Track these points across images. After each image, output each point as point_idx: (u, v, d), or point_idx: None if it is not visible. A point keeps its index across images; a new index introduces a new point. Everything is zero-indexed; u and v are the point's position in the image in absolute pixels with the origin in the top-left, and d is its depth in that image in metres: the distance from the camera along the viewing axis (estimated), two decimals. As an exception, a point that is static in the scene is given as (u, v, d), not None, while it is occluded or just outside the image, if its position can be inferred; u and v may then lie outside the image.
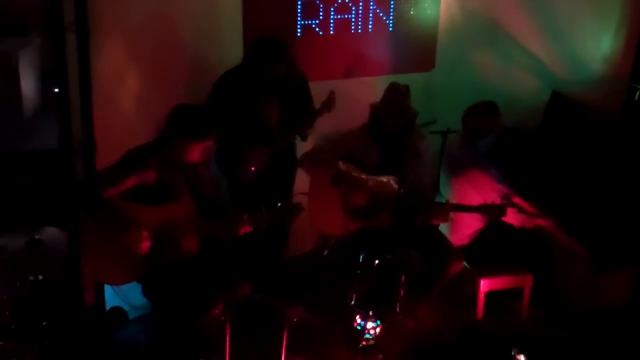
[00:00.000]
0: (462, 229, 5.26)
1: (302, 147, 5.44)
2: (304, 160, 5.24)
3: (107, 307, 5.14)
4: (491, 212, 4.94)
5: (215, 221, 4.48)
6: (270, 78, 5.04)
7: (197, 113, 4.46)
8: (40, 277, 4.63)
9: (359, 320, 5.02)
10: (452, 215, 5.06)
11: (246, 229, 4.44)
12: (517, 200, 5.03)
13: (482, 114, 5.21)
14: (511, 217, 5.00)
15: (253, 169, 5.14)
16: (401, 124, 4.97)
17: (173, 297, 4.44)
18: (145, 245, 4.30)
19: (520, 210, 4.97)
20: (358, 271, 5.21)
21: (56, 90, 4.92)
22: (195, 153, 4.42)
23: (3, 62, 8.28)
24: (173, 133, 4.37)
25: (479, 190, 5.08)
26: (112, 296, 5.03)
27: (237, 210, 4.88)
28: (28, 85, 8.41)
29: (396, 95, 5.00)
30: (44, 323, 4.63)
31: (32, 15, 9.13)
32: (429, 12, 5.98)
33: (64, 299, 4.91)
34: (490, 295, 5.23)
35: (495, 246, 5.23)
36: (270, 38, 5.02)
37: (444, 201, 5.13)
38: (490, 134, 5.21)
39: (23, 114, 8.26)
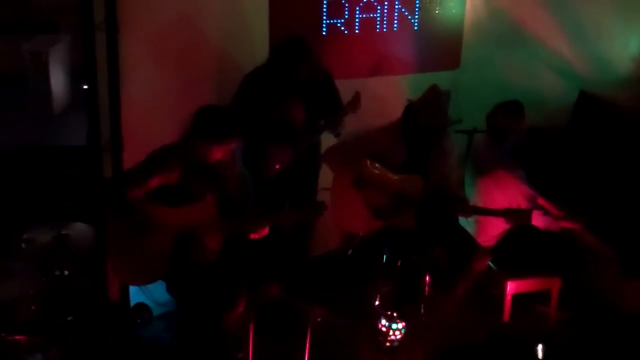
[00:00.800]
0: (488, 230, 5.22)
1: (328, 144, 5.43)
2: (328, 154, 5.23)
3: (132, 303, 5.18)
4: (516, 217, 4.91)
5: (235, 221, 4.49)
6: (293, 78, 5.05)
7: (221, 115, 4.45)
8: (66, 272, 4.68)
9: (383, 321, 5.00)
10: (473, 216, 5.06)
11: (262, 232, 4.45)
12: (542, 202, 4.98)
13: (506, 113, 5.16)
14: (536, 220, 4.96)
15: (277, 167, 5.16)
16: (437, 127, 4.95)
17: (197, 295, 4.45)
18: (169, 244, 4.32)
19: (546, 212, 4.92)
20: (382, 271, 5.21)
21: (85, 87, 4.97)
22: (219, 154, 4.42)
23: (33, 59, 8.38)
24: (197, 134, 4.38)
25: (504, 191, 5.04)
26: (136, 292, 5.06)
27: (261, 208, 4.91)
28: (57, 82, 8.48)
29: (437, 98, 4.99)
30: (69, 318, 4.68)
31: (63, 13, 9.22)
32: (454, 11, 5.96)
33: (89, 295, 4.97)
34: (517, 297, 5.19)
35: (522, 248, 5.18)
36: (294, 38, 5.03)
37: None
38: (515, 134, 5.16)
39: (52, 110, 8.34)
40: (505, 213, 4.93)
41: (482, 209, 5.03)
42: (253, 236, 4.44)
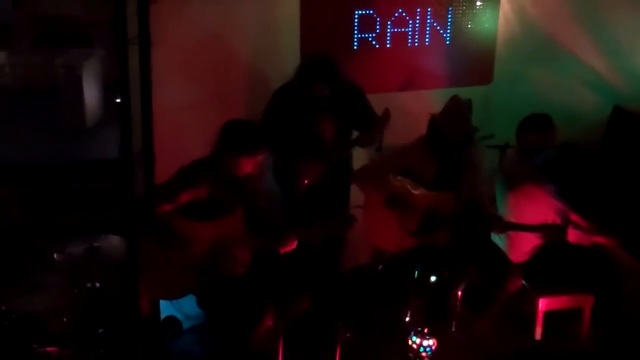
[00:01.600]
0: (520, 246, 5.17)
1: (359, 158, 5.43)
2: (358, 175, 5.23)
3: (162, 316, 5.19)
4: (551, 232, 4.86)
5: (264, 236, 4.49)
6: (314, 95, 5.05)
7: (247, 127, 4.47)
8: (98, 285, 4.70)
9: (413, 337, 4.96)
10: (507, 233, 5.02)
11: (290, 246, 4.44)
12: (575, 217, 4.93)
13: (535, 127, 5.12)
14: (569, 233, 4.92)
15: (306, 182, 5.15)
16: (462, 138, 4.93)
17: (227, 309, 4.46)
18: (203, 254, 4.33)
19: (577, 227, 4.87)
20: (413, 287, 5.17)
21: (118, 100, 5.01)
22: (247, 167, 4.44)
23: (67, 73, 8.49)
24: (224, 148, 4.40)
25: (535, 205, 5.00)
26: (166, 305, 5.08)
27: (292, 223, 4.91)
28: (90, 95, 8.61)
29: (458, 108, 4.96)
30: (99, 330, 4.70)
31: (96, 27, 9.35)
32: (486, 25, 5.94)
33: (120, 307, 4.98)
34: (549, 315, 5.13)
35: (554, 264, 5.13)
36: (316, 55, 5.03)
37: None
38: (545, 148, 5.11)
39: (85, 123, 8.45)
40: (541, 229, 4.88)
41: (517, 225, 4.98)
42: (282, 250, 4.43)
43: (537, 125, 5.10)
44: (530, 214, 4.99)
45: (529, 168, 5.06)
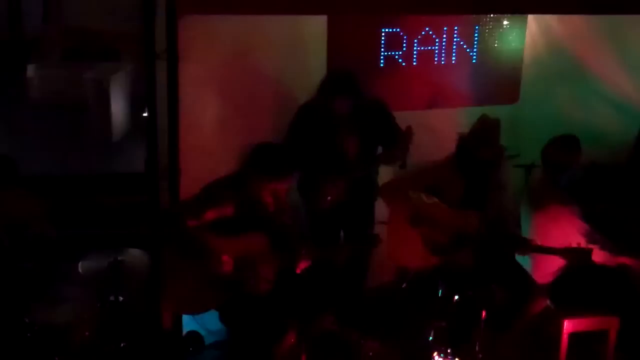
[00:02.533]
0: (545, 267, 5.13)
1: (384, 174, 5.42)
2: (383, 191, 5.22)
3: (184, 331, 5.19)
4: (576, 256, 4.82)
5: (288, 253, 4.49)
6: (336, 111, 5.05)
7: (278, 153, 4.49)
8: (121, 298, 4.72)
9: (437, 357, 4.93)
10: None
11: (304, 264, 4.44)
12: (600, 238, 4.89)
13: (561, 148, 5.08)
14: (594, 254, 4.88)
15: (330, 198, 5.15)
16: (490, 157, 4.91)
17: (249, 325, 4.46)
18: (228, 268, 4.34)
19: (602, 248, 4.83)
20: (437, 306, 5.14)
21: (145, 115, 5.05)
22: (274, 190, 4.45)
23: (95, 87, 8.58)
24: (253, 171, 4.41)
25: (559, 226, 4.95)
26: (189, 320, 5.08)
27: (316, 239, 4.91)
28: (117, 109, 8.68)
29: (487, 127, 4.95)
30: (122, 344, 4.71)
31: (124, 42, 9.44)
32: (513, 44, 5.92)
33: (143, 321, 5.00)
34: (574, 336, 5.07)
35: (579, 286, 5.08)
36: (337, 72, 5.05)
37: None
38: (571, 169, 5.08)
39: (112, 137, 8.52)
40: (565, 252, 4.85)
41: (542, 247, 4.95)
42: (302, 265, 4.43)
43: (563, 146, 5.08)
44: (555, 235, 4.96)
45: (554, 188, 5.03)
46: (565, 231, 4.92)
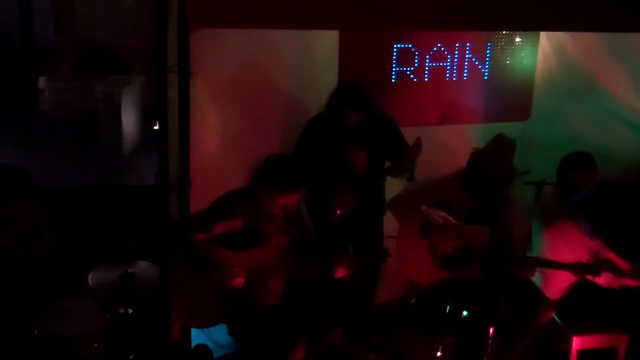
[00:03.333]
0: (555, 283, 5.11)
1: (392, 188, 5.41)
2: (392, 203, 5.21)
3: (193, 344, 5.19)
4: (583, 271, 4.81)
5: (310, 263, 4.49)
6: (346, 124, 5.06)
7: (288, 165, 4.51)
8: (130, 311, 4.72)
9: (444, 373, 4.93)
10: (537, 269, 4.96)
11: (343, 272, 4.44)
12: (612, 256, 4.87)
13: (577, 166, 5.08)
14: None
15: (339, 212, 5.15)
16: (501, 177, 4.90)
17: (258, 339, 4.45)
18: (239, 281, 4.34)
19: (609, 268, 4.81)
20: (445, 321, 5.13)
21: (156, 128, 5.06)
22: (284, 203, 4.45)
23: (106, 99, 8.62)
24: (263, 184, 4.42)
25: (569, 243, 4.95)
26: (197, 333, 5.08)
27: (325, 252, 4.90)
28: (129, 122, 8.71)
29: (502, 146, 4.95)
30: (130, 356, 4.71)
31: (136, 55, 9.49)
32: (525, 62, 5.92)
33: (152, 334, 5.00)
34: (582, 353, 5.06)
35: (589, 302, 5.06)
36: (348, 84, 5.06)
37: (533, 254, 5.03)
38: (585, 187, 5.07)
39: (122, 150, 8.55)
40: (573, 267, 4.83)
41: (549, 262, 4.93)
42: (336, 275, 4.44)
43: (579, 164, 5.06)
44: (565, 252, 4.95)
45: (566, 206, 5.02)
46: (575, 248, 4.92)
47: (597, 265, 4.80)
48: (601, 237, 4.94)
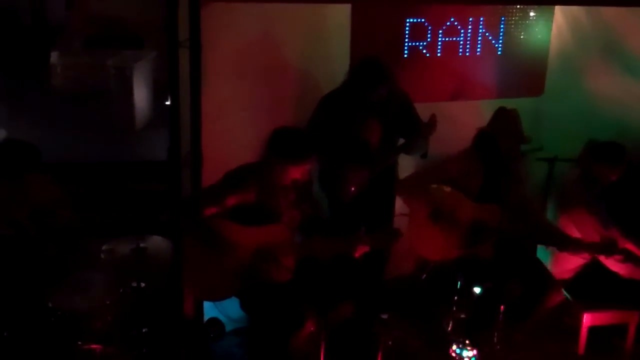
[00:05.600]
0: (566, 263, 5.11)
1: (404, 167, 5.40)
2: (401, 187, 5.20)
3: (205, 317, 5.22)
4: (604, 250, 4.80)
5: (328, 240, 4.50)
6: (372, 100, 5.04)
7: (297, 136, 4.51)
8: (143, 285, 4.75)
9: (455, 348, 4.93)
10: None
11: (364, 248, 4.45)
12: (629, 246, 4.84)
13: (608, 160, 4.94)
14: (617, 266, 4.85)
15: (353, 189, 5.15)
16: (512, 149, 4.88)
17: (269, 313, 4.48)
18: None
19: (629, 258, 4.79)
20: (456, 297, 5.14)
21: (167, 103, 5.06)
22: (295, 175, 4.46)
23: (118, 74, 8.61)
24: (273, 155, 4.43)
25: (583, 231, 4.92)
26: (210, 307, 5.11)
27: (336, 230, 4.91)
28: (140, 97, 8.71)
29: (506, 119, 4.92)
30: (143, 330, 4.74)
31: (148, 30, 9.47)
32: (539, 36, 5.87)
33: (164, 307, 5.03)
34: (593, 330, 5.06)
35: (600, 280, 5.05)
36: (372, 59, 5.02)
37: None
38: (611, 181, 4.95)
39: (135, 125, 8.56)
40: (588, 246, 4.83)
41: (568, 238, 4.90)
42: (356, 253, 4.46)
43: (610, 158, 4.95)
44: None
45: (585, 193, 4.96)
46: (587, 237, 4.90)
47: (610, 245, 4.78)
48: (619, 227, 4.89)
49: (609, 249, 4.79)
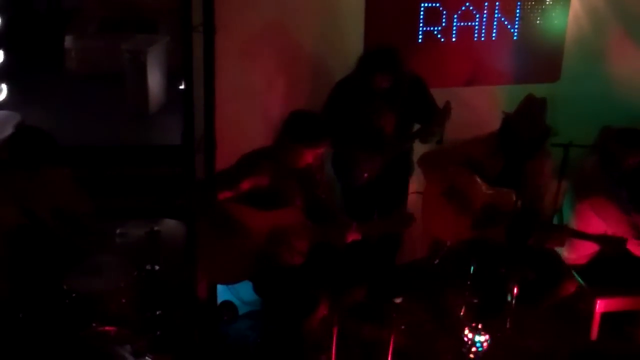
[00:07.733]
0: (580, 249, 5.09)
1: (419, 153, 5.39)
2: (423, 160, 5.19)
3: (219, 300, 5.25)
4: (609, 244, 4.78)
5: (323, 227, 4.51)
6: (375, 87, 5.03)
7: (312, 119, 4.51)
8: (157, 268, 4.77)
9: (467, 332, 4.94)
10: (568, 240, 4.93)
11: (354, 237, 4.45)
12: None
13: (632, 146, 4.88)
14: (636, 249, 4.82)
15: (366, 175, 5.15)
16: (535, 138, 4.86)
17: (282, 296, 4.49)
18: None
19: None
20: (469, 282, 5.14)
21: (181, 87, 5.07)
22: (309, 158, 4.47)
23: (132, 59, 8.62)
24: (287, 138, 4.43)
25: (603, 217, 4.87)
26: (223, 290, 5.14)
27: (350, 216, 4.91)
28: (154, 81, 8.71)
29: (533, 107, 4.89)
30: (157, 312, 4.77)
31: (162, 14, 9.46)
32: (556, 22, 5.83)
33: (178, 290, 5.06)
34: (606, 316, 5.05)
35: (613, 267, 5.03)
36: (379, 48, 5.00)
37: (563, 223, 5.01)
38: (632, 168, 4.93)
39: (148, 109, 8.57)
40: (600, 240, 4.81)
41: (577, 232, 4.89)
42: (345, 241, 4.44)
43: (631, 143, 4.89)
44: (596, 224, 4.90)
45: (603, 178, 4.93)
46: (608, 223, 4.87)
47: (622, 241, 4.76)
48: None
49: (618, 245, 4.76)
